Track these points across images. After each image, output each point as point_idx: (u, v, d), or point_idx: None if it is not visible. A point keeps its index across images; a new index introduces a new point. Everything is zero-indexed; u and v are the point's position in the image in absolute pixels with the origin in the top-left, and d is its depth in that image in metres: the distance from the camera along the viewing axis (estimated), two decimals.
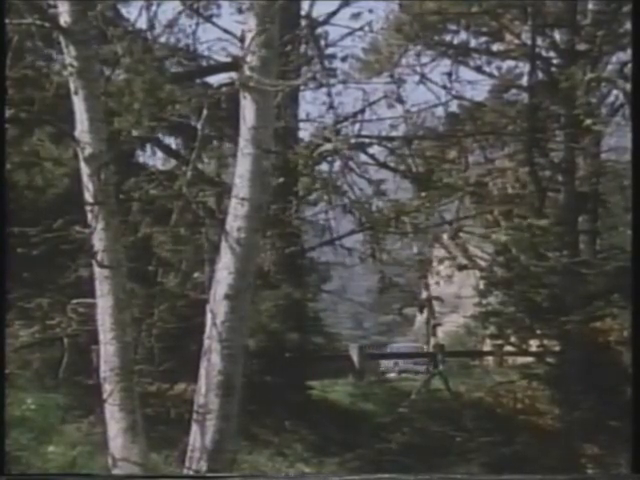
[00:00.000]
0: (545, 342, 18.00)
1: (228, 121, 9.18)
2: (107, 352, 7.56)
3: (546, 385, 17.93)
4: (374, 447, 14.43)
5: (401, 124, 15.81)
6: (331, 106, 11.81)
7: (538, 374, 18.04)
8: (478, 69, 18.31)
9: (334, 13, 11.87)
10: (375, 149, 15.52)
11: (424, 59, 17.08)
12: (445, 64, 17.44)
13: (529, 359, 18.86)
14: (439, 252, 18.83)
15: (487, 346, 21.05)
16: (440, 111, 17.76)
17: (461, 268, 18.30)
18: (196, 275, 9.97)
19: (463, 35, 17.82)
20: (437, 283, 18.26)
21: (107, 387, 7.54)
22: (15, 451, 11.79)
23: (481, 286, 18.70)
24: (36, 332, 12.51)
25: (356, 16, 9.45)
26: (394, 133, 15.70)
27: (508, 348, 18.88)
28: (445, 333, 25.95)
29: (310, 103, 14.03)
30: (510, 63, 18.98)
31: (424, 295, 19.43)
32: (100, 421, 8.18)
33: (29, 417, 12.58)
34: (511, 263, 17.58)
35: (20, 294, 13.07)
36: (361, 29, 11.74)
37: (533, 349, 18.32)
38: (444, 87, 17.27)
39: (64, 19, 7.30)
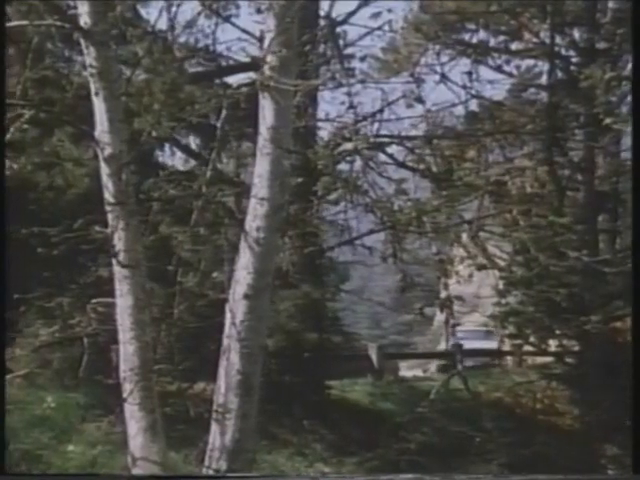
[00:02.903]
0: (564, 342, 17.93)
1: (247, 121, 9.19)
2: (127, 351, 7.59)
3: (565, 385, 17.86)
4: (393, 447, 14.41)
5: (420, 123, 15.78)
6: (350, 106, 11.81)
7: (557, 374, 17.97)
8: (497, 68, 18.25)
9: (353, 13, 11.86)
10: (394, 149, 15.51)
11: (443, 58, 17.04)
12: (464, 63, 17.40)
13: (548, 359, 18.79)
14: (458, 251, 18.78)
15: (506, 346, 20.99)
16: (459, 110, 17.72)
17: (480, 268, 18.24)
18: (215, 275, 10.00)
19: (482, 34, 17.78)
20: (457, 283, 18.21)
21: (127, 386, 7.57)
22: (36, 450, 11.86)
23: (500, 286, 18.63)
24: (56, 331, 12.57)
25: (375, 16, 9.45)
26: (413, 132, 15.68)
27: (527, 348, 18.81)
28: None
29: (329, 103, 14.03)
30: (529, 62, 18.92)
31: (443, 295, 19.39)
32: (120, 420, 8.21)
33: (49, 416, 12.64)
34: (530, 262, 17.52)
35: (40, 293, 13.14)
36: (380, 28, 11.74)
37: (552, 349, 18.25)
38: (463, 86, 17.23)
39: (84, 20, 7.34)
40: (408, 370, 22.61)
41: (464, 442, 15.30)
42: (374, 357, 18.06)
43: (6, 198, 7.58)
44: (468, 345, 20.80)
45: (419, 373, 22.19)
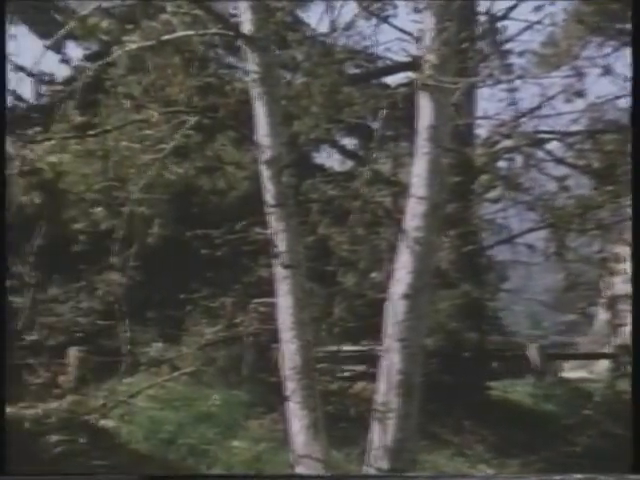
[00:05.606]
0: None
1: (404, 120, 9.21)
2: (288, 350, 7.72)
3: None
4: (558, 449, 14.05)
5: (581, 118, 15.34)
6: (509, 102, 11.62)
7: None
8: None
9: (513, 7, 11.65)
10: (554, 145, 15.13)
11: (606, 50, 16.46)
12: (629, 54, 16.72)
13: None
14: (622, 249, 18.14)
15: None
16: (623, 103, 17.08)
17: None
18: (374, 275, 10.06)
19: None
20: (621, 281, 17.60)
21: (289, 385, 7.70)
22: (202, 445, 12.20)
23: None
24: (220, 330, 12.93)
25: (537, 9, 9.25)
26: (574, 128, 15.26)
27: None
28: (626, 333, 24.94)
29: (487, 100, 13.84)
30: None
31: (607, 293, 18.81)
32: (282, 418, 8.36)
33: (214, 413, 12.96)
34: None
35: (205, 293, 13.54)
36: (539, 22, 11.48)
37: None
38: (626, 78, 16.61)
39: (247, 27, 7.53)
40: (571, 371, 22.02)
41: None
42: (535, 357, 17.65)
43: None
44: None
45: (583, 374, 21.57)
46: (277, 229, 7.65)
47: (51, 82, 15.41)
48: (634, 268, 7.17)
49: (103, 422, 12.22)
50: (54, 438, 11.30)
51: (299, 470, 7.59)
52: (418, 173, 7.58)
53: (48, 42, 12.43)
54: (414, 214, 7.59)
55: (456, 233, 12.42)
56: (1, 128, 7.73)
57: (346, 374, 14.45)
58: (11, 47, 14.90)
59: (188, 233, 12.22)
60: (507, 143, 11.01)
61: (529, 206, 12.74)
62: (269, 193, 7.72)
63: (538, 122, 14.28)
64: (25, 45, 14.95)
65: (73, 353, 13.35)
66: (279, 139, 7.66)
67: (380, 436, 7.51)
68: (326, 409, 8.04)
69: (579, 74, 14.31)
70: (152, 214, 9.09)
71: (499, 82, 10.71)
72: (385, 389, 7.55)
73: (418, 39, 7.44)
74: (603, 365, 21.62)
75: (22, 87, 15.62)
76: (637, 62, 7.60)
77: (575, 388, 17.31)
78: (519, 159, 11.88)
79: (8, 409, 11.77)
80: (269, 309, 8.43)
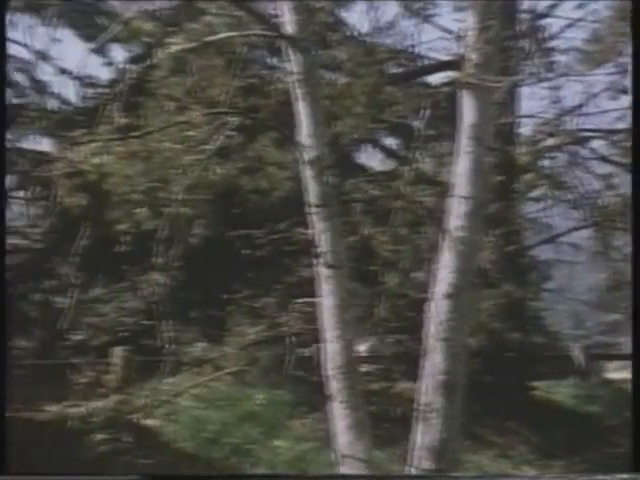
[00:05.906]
0: None
1: (446, 119, 9.19)
2: (331, 350, 7.74)
3: None
4: (602, 451, 13.92)
5: (626, 116, 15.18)
6: (552, 100, 11.55)
7: None
8: None
9: (555, 5, 11.59)
10: (598, 143, 14.99)
11: None
12: None
13: None
14: None
15: None
16: None
17: None
18: (416, 274, 10.04)
19: None
20: None
21: (331, 385, 7.72)
22: (245, 444, 12.27)
23: None
24: (263, 330, 12.96)
25: (580, 6, 9.19)
26: (618, 125, 15.11)
27: None
28: None
29: (529, 98, 13.73)
30: None
31: None
32: (324, 418, 8.38)
33: (258, 412, 13.01)
34: None
35: (247, 293, 13.60)
36: (581, 20, 11.39)
37: None
38: None
39: (288, 28, 7.56)
40: (615, 372, 21.75)
41: None
42: (578, 358, 17.49)
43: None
44: None
45: (627, 375, 21.30)
46: (319, 229, 7.66)
47: (95, 85, 15.57)
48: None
49: (147, 421, 12.33)
50: (99, 437, 11.42)
51: (342, 470, 7.60)
52: (461, 172, 7.56)
53: (92, 45, 12.57)
54: (457, 213, 7.57)
55: (499, 232, 12.36)
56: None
57: (386, 373, 14.46)
58: (56, 51, 15.16)
59: (230, 233, 12.26)
60: (551, 141, 10.93)
61: (573, 204, 12.64)
62: (311, 193, 7.74)
63: (582, 120, 14.16)
64: (69, 48, 15.14)
65: (117, 353, 13.47)
66: (321, 139, 7.68)
67: (423, 436, 7.50)
68: (369, 409, 8.04)
69: (623, 71, 14.16)
70: (194, 214, 9.16)
71: (542, 80, 10.64)
72: (428, 389, 7.54)
73: (460, 38, 7.43)
74: None
75: (66, 90, 15.81)
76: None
77: (619, 389, 17.12)
78: (563, 157, 11.80)
79: (53, 408, 11.94)
80: (312, 309, 8.45)
